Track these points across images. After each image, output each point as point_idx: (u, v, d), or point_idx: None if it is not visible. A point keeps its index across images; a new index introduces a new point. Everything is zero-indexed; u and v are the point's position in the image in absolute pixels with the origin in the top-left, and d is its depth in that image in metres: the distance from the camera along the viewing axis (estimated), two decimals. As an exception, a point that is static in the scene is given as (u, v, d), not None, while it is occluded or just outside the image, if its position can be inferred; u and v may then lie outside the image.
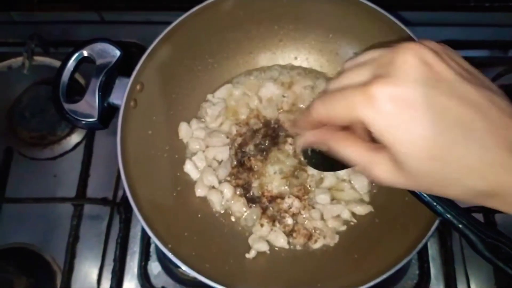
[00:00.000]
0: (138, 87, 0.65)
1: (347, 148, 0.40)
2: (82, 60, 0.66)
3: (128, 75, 0.64)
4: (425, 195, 0.47)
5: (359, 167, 0.40)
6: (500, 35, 0.89)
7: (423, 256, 0.72)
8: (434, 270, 0.71)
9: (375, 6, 0.67)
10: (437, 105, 0.35)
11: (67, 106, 0.64)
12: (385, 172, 0.38)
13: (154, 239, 0.56)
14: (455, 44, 0.87)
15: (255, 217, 0.70)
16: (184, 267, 0.56)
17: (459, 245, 0.72)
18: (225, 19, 0.73)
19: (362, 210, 0.69)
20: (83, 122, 0.64)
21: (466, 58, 0.86)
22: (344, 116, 0.38)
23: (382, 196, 0.70)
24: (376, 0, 0.68)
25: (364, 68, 0.39)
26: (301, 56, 0.80)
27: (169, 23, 0.67)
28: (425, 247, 0.72)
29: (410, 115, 0.35)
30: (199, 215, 0.70)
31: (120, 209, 0.75)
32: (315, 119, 0.42)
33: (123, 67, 0.66)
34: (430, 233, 0.56)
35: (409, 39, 0.66)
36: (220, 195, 0.70)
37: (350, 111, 0.37)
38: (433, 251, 0.72)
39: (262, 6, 0.74)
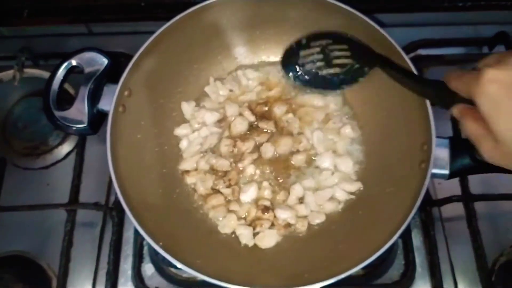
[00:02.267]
0: (126, 93, 0.67)
1: (467, 122, 0.49)
2: (71, 69, 0.68)
3: (116, 82, 0.66)
4: None
5: (472, 140, 0.49)
6: (474, 32, 0.93)
7: (408, 246, 0.74)
8: (419, 259, 0.73)
9: (352, 9, 0.70)
10: None
11: (57, 113, 0.65)
12: (488, 150, 0.46)
13: (145, 237, 0.58)
14: (431, 43, 0.91)
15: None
16: (175, 263, 0.57)
17: (442, 234, 0.75)
18: (208, 27, 0.76)
19: (351, 187, 0.72)
20: (74, 128, 0.66)
21: (443, 56, 0.90)
22: (464, 92, 0.48)
23: (365, 189, 0.73)
24: (352, 4, 0.71)
25: (486, 60, 0.47)
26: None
27: (155, 32, 0.70)
28: (409, 237, 0.75)
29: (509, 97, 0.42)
30: (189, 214, 0.72)
31: (113, 213, 0.76)
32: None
33: (111, 74, 0.68)
34: (411, 215, 0.58)
35: (384, 40, 0.69)
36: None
37: (467, 88, 0.46)
38: (417, 241, 0.75)
39: (244, 14, 0.77)
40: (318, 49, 0.73)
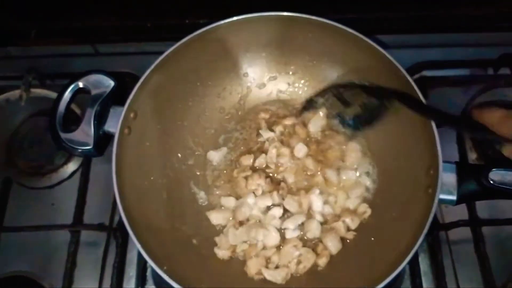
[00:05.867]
0: (131, 115, 0.67)
1: None
2: (77, 91, 0.69)
3: (122, 104, 0.66)
4: None
5: None
6: (479, 54, 0.92)
7: (415, 271, 0.73)
8: (426, 284, 0.72)
9: (354, 31, 0.70)
10: None
11: (63, 135, 0.65)
12: None
13: (149, 261, 0.57)
14: (436, 64, 0.91)
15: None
16: (180, 289, 0.57)
17: (450, 259, 0.74)
18: (214, 48, 0.76)
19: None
20: (79, 150, 0.66)
21: (447, 77, 0.90)
22: None
23: (370, 215, 0.72)
24: (355, 26, 0.71)
25: None
26: (286, 79, 0.83)
27: (161, 53, 0.70)
28: (416, 262, 0.73)
29: None
30: (195, 238, 0.71)
31: (117, 234, 0.76)
32: None
33: (117, 96, 0.69)
34: (419, 242, 0.57)
35: (388, 61, 0.69)
36: None
37: None
38: (424, 266, 0.73)
39: (249, 36, 0.77)
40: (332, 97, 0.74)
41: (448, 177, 0.60)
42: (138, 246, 0.58)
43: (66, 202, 0.80)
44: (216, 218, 0.73)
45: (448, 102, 0.88)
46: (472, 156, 0.83)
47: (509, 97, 0.87)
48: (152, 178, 0.72)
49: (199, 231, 0.72)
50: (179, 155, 0.77)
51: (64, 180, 0.83)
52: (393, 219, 0.66)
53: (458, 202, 0.60)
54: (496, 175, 0.58)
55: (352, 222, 0.71)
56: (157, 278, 0.74)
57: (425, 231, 0.57)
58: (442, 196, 0.59)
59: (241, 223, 0.72)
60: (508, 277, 0.72)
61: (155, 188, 0.72)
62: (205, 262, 0.68)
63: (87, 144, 0.65)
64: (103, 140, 0.67)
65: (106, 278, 0.74)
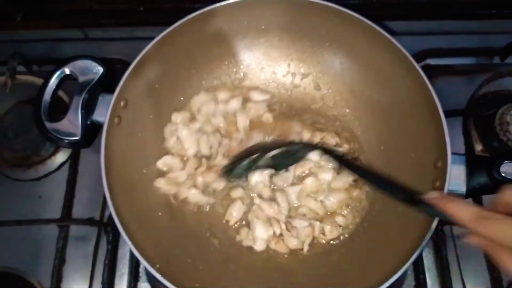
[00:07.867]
0: (122, 103, 0.64)
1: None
2: (64, 78, 0.65)
3: (112, 91, 0.63)
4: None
5: None
6: (485, 42, 0.90)
7: (418, 267, 0.71)
8: (430, 281, 0.70)
9: (360, 16, 0.67)
10: None
11: (49, 125, 0.62)
12: None
13: (140, 259, 0.55)
14: (441, 52, 0.87)
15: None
16: (173, 288, 0.54)
17: (454, 254, 0.71)
18: (210, 33, 0.73)
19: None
20: (66, 141, 0.63)
21: (452, 66, 0.87)
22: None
23: (373, 210, 0.69)
24: (361, 11, 0.68)
25: None
26: (285, 66, 0.80)
27: (154, 38, 0.67)
28: (420, 257, 0.71)
29: None
30: (189, 234, 0.68)
31: (108, 229, 0.73)
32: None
33: (107, 83, 0.66)
34: (422, 244, 0.54)
35: (395, 48, 0.66)
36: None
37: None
38: (428, 261, 0.71)
39: (247, 20, 0.73)
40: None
41: (457, 170, 0.57)
42: (130, 244, 0.55)
43: (54, 195, 0.77)
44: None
45: (452, 93, 0.84)
46: (478, 148, 0.80)
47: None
48: (144, 171, 0.69)
49: (194, 227, 0.69)
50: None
51: (52, 171, 0.79)
52: (398, 215, 0.63)
53: (467, 195, 0.58)
54: (508, 168, 0.56)
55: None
56: (150, 276, 0.70)
57: (432, 227, 0.54)
58: (451, 189, 0.57)
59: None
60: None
61: (148, 182, 0.69)
62: (199, 260, 0.65)
63: (74, 135, 0.63)
64: (91, 130, 0.64)
65: (97, 275, 0.71)
